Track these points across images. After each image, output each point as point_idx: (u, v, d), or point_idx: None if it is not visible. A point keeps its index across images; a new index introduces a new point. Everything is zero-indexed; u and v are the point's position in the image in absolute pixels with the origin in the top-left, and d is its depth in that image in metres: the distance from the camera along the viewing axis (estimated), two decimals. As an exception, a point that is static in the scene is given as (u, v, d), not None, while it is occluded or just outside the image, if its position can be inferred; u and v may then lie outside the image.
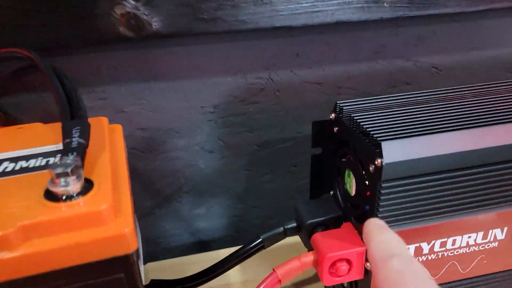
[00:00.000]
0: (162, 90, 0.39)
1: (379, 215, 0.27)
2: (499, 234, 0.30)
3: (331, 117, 0.31)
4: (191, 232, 0.47)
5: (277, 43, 0.39)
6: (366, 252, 0.29)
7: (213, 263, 0.33)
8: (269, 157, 0.45)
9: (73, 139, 0.22)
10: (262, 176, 0.46)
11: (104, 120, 0.28)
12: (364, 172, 0.28)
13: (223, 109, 0.41)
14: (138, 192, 0.43)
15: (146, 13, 0.34)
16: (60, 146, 0.23)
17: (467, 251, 0.30)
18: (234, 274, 0.40)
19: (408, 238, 0.28)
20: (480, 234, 0.30)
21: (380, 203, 0.26)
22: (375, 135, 0.26)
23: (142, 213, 0.44)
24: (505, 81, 0.33)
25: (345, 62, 0.42)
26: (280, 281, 0.29)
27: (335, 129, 0.31)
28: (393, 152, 0.25)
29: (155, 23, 0.34)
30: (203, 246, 0.48)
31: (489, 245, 0.30)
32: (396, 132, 0.26)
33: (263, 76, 0.41)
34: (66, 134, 0.22)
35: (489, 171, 0.27)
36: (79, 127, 0.23)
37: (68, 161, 0.20)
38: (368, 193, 0.28)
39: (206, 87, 0.40)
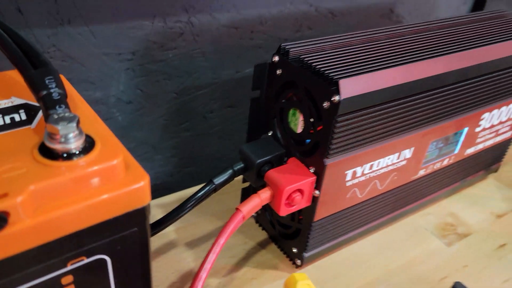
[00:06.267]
0: (74, 36, 0.34)
1: (331, 146, 0.30)
2: (407, 153, 0.37)
3: (273, 60, 0.33)
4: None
5: (196, -15, 0.38)
6: (316, 181, 0.32)
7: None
8: (187, 105, 0.44)
9: (52, 90, 0.19)
10: (180, 124, 0.45)
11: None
12: (315, 110, 0.30)
13: (141, 56, 0.39)
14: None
15: None
16: (16, 101, 0.20)
17: (385, 170, 0.36)
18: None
19: (349, 164, 0.32)
20: (396, 155, 0.36)
21: (334, 136, 0.30)
22: (330, 74, 0.29)
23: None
24: (430, 20, 0.39)
25: (258, 6, 0.43)
26: (244, 217, 0.31)
27: (279, 71, 0.33)
28: (348, 88, 0.28)
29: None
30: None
31: (400, 164, 0.37)
32: (347, 70, 0.29)
33: (182, 20, 0.39)
34: (39, 85, 0.19)
35: (417, 99, 0.33)
36: (50, 76, 0.20)
37: (66, 114, 0.17)
38: (319, 128, 0.30)
39: (122, 33, 0.37)
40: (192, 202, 0.32)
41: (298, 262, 0.37)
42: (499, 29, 0.40)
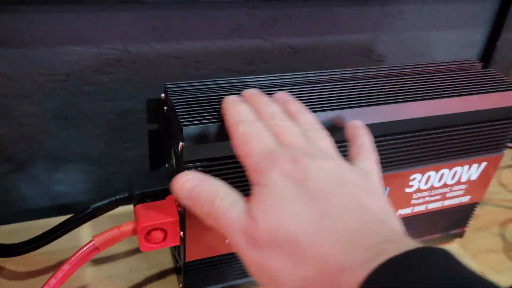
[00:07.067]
0: (7, 57, 0.38)
1: (187, 191, 0.30)
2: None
3: (161, 96, 0.33)
4: (50, 196, 0.48)
5: (130, 16, 0.40)
6: (180, 222, 0.32)
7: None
8: (129, 126, 0.46)
9: None
10: (123, 143, 0.47)
11: None
12: (176, 152, 0.30)
13: (76, 78, 0.41)
14: (-11, 156, 0.43)
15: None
16: None
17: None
18: (84, 236, 0.42)
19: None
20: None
21: (186, 181, 0.29)
22: (183, 120, 0.29)
23: (-5, 177, 0.44)
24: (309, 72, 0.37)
25: (203, 38, 0.44)
26: (98, 248, 0.31)
27: (165, 108, 0.33)
28: (194, 137, 0.28)
29: (-12, -12, 0.33)
30: (64, 209, 0.49)
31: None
32: (204, 117, 0.29)
33: (118, 47, 0.41)
34: None
35: None
36: None
37: None
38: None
39: (54, 56, 0.39)
40: (68, 226, 0.34)
41: (181, 298, 0.37)
42: (444, 84, 0.37)
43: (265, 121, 0.26)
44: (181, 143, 0.28)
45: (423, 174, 0.37)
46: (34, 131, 0.43)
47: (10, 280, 0.39)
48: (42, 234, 0.34)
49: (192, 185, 0.24)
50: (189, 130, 0.28)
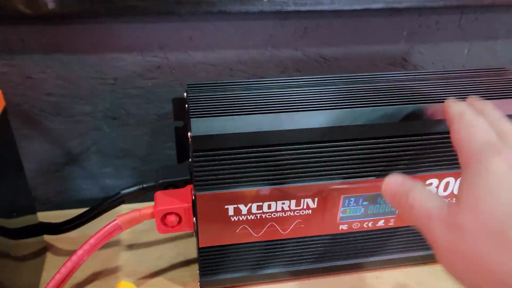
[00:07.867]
0: (65, 61, 0.45)
1: (197, 179, 0.33)
2: (311, 203, 0.36)
3: (184, 95, 0.37)
4: (101, 188, 0.53)
5: (169, 27, 0.45)
6: (193, 208, 0.35)
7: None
8: (169, 128, 0.50)
9: None
10: (164, 143, 0.52)
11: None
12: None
13: (123, 82, 0.47)
14: (51, 149, 0.49)
15: (40, -6, 0.39)
16: None
17: (283, 215, 0.36)
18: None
19: (228, 199, 0.34)
20: (293, 201, 0.35)
21: (196, 169, 0.32)
22: (191, 112, 0.32)
23: (55, 168, 0.51)
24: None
25: (236, 47, 0.47)
26: (121, 227, 0.35)
27: (187, 106, 0.37)
28: (201, 127, 0.31)
29: (50, 3, 0.40)
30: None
31: (303, 212, 0.36)
32: (210, 111, 0.32)
33: (158, 55, 0.46)
34: None
35: (290, 150, 0.33)
36: None
37: None
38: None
39: (105, 62, 0.45)
40: (97, 210, 0.38)
41: (198, 284, 0.39)
42: (462, 89, 0.36)
43: (488, 121, 0.27)
44: (189, 133, 0.31)
45: (440, 180, 0.37)
46: (88, 128, 0.49)
47: (58, 256, 0.44)
48: (74, 217, 0.39)
49: (391, 187, 0.27)
50: (198, 121, 0.31)
